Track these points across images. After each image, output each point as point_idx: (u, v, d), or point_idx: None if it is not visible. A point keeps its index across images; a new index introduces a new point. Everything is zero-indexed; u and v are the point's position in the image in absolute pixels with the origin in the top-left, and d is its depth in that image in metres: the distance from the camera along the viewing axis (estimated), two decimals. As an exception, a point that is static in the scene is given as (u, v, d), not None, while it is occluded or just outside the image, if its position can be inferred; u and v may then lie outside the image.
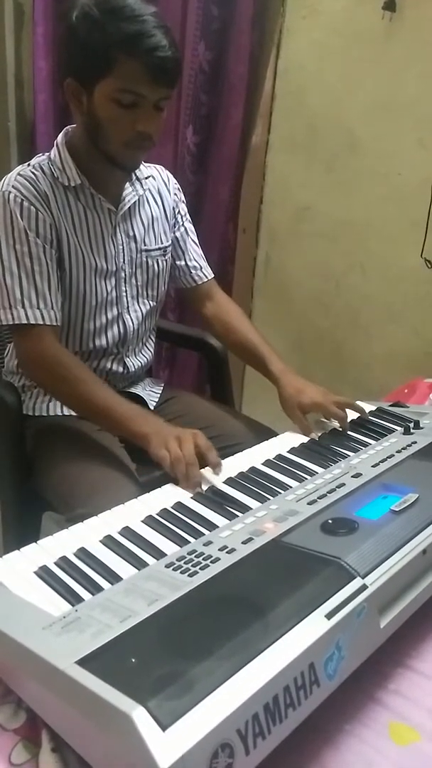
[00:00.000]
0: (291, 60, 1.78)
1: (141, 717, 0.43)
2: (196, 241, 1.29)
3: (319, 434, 1.03)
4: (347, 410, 1.06)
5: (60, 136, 1.11)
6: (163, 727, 0.43)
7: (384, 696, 0.62)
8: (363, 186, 1.73)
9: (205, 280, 1.28)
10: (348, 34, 1.66)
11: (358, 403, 1.10)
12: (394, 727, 0.58)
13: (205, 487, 0.86)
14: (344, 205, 1.78)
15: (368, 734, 0.57)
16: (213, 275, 1.31)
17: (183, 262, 1.26)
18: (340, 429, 1.04)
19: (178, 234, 1.25)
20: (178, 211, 1.25)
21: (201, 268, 1.28)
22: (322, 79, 1.74)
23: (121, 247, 1.14)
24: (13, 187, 1.03)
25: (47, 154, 1.10)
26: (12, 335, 1.10)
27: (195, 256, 1.28)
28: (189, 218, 1.28)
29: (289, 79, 1.80)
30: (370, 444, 0.97)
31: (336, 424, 1.05)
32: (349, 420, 1.05)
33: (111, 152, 1.04)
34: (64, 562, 0.69)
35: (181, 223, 1.26)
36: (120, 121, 0.99)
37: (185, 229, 1.27)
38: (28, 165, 1.08)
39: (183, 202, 1.27)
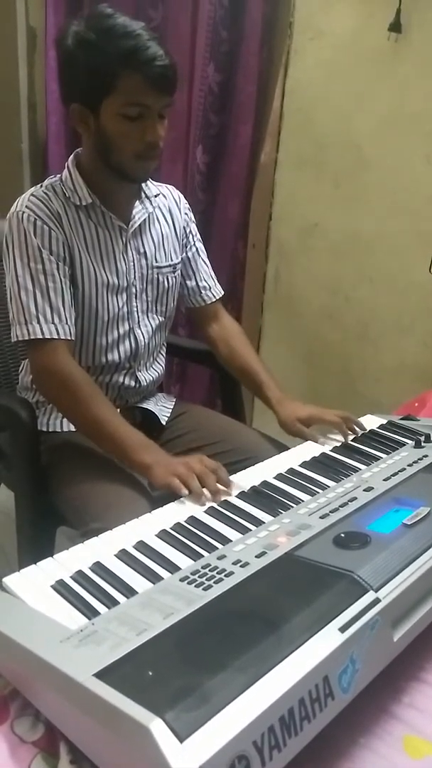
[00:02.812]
0: (299, 80, 1.81)
1: (159, 728, 0.44)
2: (207, 261, 1.32)
3: (330, 447, 1.04)
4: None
5: (70, 158, 1.13)
6: (181, 739, 0.44)
7: (398, 709, 0.62)
8: (371, 201, 1.75)
9: (214, 300, 1.31)
10: (354, 55, 1.69)
11: (369, 416, 1.11)
12: (409, 741, 0.59)
13: (218, 501, 0.87)
14: (352, 221, 1.80)
15: (383, 747, 0.58)
16: (222, 293, 1.33)
17: (194, 282, 1.29)
18: (342, 438, 1.07)
19: (189, 254, 1.27)
20: (189, 231, 1.27)
21: (210, 288, 1.31)
22: (330, 97, 1.76)
23: (132, 263, 1.16)
24: (26, 207, 1.06)
25: (59, 175, 1.13)
26: (26, 351, 1.12)
27: (205, 276, 1.30)
28: (200, 238, 1.31)
29: (297, 98, 1.83)
30: (382, 458, 0.97)
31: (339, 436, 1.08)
32: (357, 435, 1.08)
33: (123, 166, 1.07)
34: (80, 576, 0.70)
35: (192, 243, 1.28)
36: (129, 135, 1.02)
37: (196, 249, 1.29)
38: (41, 186, 1.11)
39: (193, 222, 1.29)
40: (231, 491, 0.90)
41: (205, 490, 0.89)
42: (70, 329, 1.07)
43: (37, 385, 1.17)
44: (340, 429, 1.08)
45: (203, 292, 1.29)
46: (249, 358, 1.27)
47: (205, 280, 1.30)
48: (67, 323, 1.06)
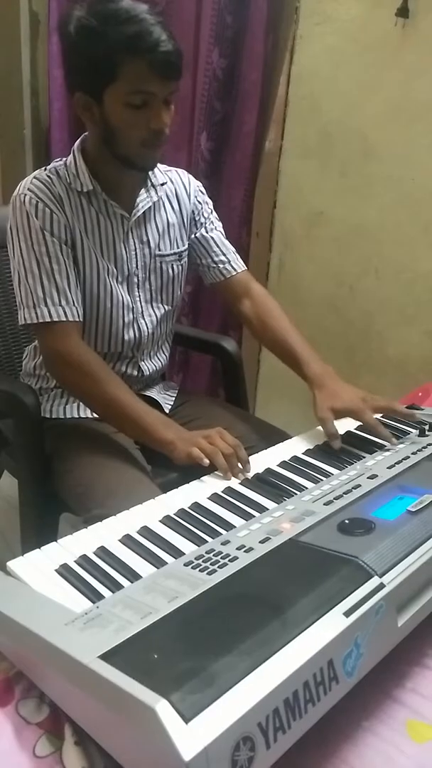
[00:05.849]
0: (304, 66, 1.80)
1: (164, 710, 0.44)
2: (223, 238, 1.27)
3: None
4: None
5: (77, 143, 1.12)
6: (186, 720, 0.44)
7: (401, 694, 0.62)
8: (376, 191, 1.74)
9: (234, 273, 1.26)
10: (361, 41, 1.67)
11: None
12: (412, 725, 0.59)
13: (222, 487, 0.87)
14: (358, 210, 1.79)
15: (386, 731, 0.58)
16: (245, 267, 1.29)
17: (208, 260, 1.25)
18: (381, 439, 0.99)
19: (198, 235, 1.25)
20: (201, 212, 1.24)
21: (229, 261, 1.26)
22: (336, 84, 1.75)
23: (133, 252, 1.15)
24: (28, 189, 1.05)
25: (64, 160, 1.12)
26: (36, 335, 1.12)
27: (220, 252, 1.26)
28: (215, 215, 1.27)
29: (303, 85, 1.81)
30: (386, 446, 0.97)
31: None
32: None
33: (129, 155, 1.05)
34: (84, 561, 0.70)
35: (203, 224, 1.25)
36: (134, 123, 1.00)
37: (208, 227, 1.25)
38: (44, 169, 1.10)
39: (206, 203, 1.26)
40: (250, 470, 0.91)
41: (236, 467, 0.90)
42: (77, 310, 1.07)
43: (48, 369, 1.16)
44: (376, 433, 0.99)
45: (220, 266, 1.25)
46: (284, 331, 1.20)
47: (222, 255, 1.25)
48: (74, 305, 1.06)
